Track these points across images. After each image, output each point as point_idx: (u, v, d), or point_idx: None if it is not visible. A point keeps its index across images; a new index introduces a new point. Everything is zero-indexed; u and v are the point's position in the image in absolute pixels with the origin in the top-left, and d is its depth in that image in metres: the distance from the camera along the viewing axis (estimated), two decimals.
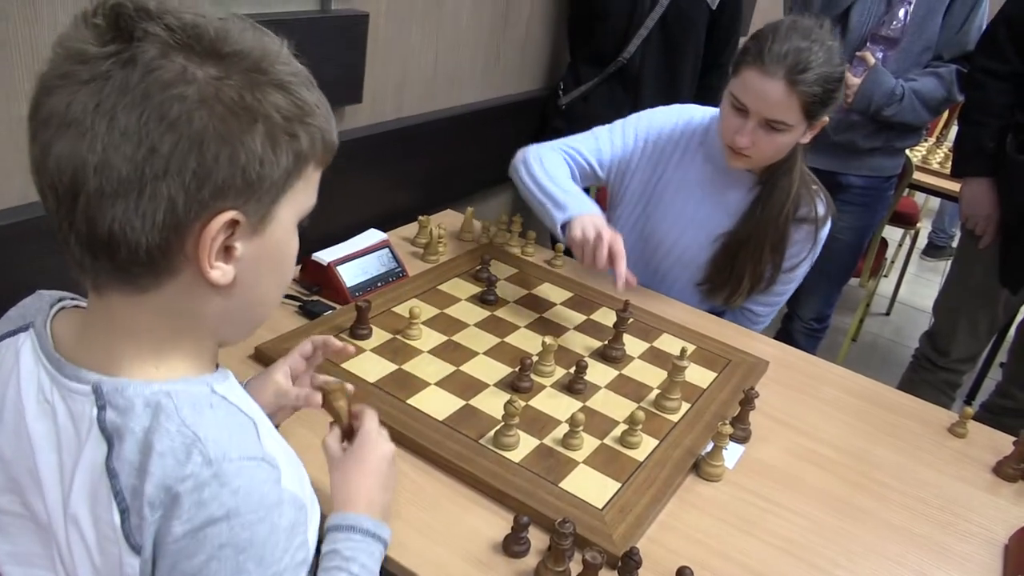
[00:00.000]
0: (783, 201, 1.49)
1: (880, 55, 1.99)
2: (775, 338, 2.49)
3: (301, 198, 0.64)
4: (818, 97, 1.37)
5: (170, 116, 0.54)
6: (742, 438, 1.23)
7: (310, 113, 0.62)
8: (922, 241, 4.48)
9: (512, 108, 2.13)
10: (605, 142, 1.62)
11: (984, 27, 1.97)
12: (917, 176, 2.83)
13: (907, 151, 2.36)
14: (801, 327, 2.43)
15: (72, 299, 0.71)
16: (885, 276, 3.98)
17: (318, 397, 0.89)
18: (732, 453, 1.20)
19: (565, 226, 1.43)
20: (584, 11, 2.12)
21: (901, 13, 1.94)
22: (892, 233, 3.78)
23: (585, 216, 1.41)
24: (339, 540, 0.78)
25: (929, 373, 2.20)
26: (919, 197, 3.81)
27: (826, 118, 1.44)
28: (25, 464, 0.65)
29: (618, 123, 1.65)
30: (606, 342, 1.32)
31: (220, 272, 0.60)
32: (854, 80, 2.00)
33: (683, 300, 1.64)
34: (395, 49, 1.69)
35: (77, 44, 0.56)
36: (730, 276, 1.56)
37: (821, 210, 1.54)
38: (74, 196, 0.56)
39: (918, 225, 3.37)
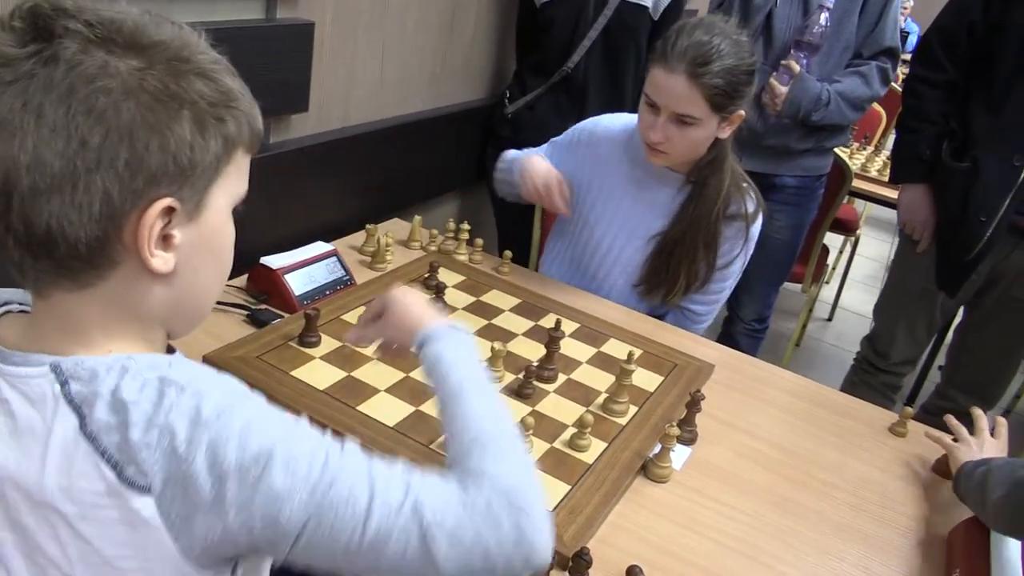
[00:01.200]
0: (714, 199, 1.54)
1: (804, 61, 2.06)
2: (718, 341, 2.57)
3: (233, 183, 0.66)
4: (721, 89, 1.41)
5: (97, 108, 0.56)
6: (689, 440, 1.26)
7: (235, 99, 0.63)
8: (862, 247, 4.61)
9: (458, 116, 2.15)
10: (553, 155, 1.69)
11: (898, 22, 2.06)
12: (856, 184, 2.92)
13: (839, 152, 2.45)
14: (742, 328, 2.48)
15: (20, 304, 0.71)
16: (827, 283, 4.09)
17: None
18: (679, 454, 1.22)
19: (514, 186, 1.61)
20: (529, 21, 2.15)
21: (822, 19, 2.01)
22: (833, 240, 3.89)
23: (529, 169, 1.58)
24: (433, 352, 0.86)
25: (870, 376, 2.27)
26: (859, 204, 3.93)
27: (741, 111, 1.48)
28: None
29: (563, 135, 1.71)
30: (536, 363, 1.32)
31: (161, 260, 0.62)
32: (781, 89, 2.07)
33: (621, 302, 1.68)
34: (341, 57, 1.70)
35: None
36: (666, 276, 1.60)
37: (751, 207, 1.59)
38: (7, 197, 0.57)
39: (858, 232, 3.46)
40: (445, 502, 0.65)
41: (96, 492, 0.59)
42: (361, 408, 1.16)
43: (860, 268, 4.45)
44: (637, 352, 1.43)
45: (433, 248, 1.75)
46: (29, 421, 0.61)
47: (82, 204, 0.57)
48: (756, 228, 1.62)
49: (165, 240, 0.62)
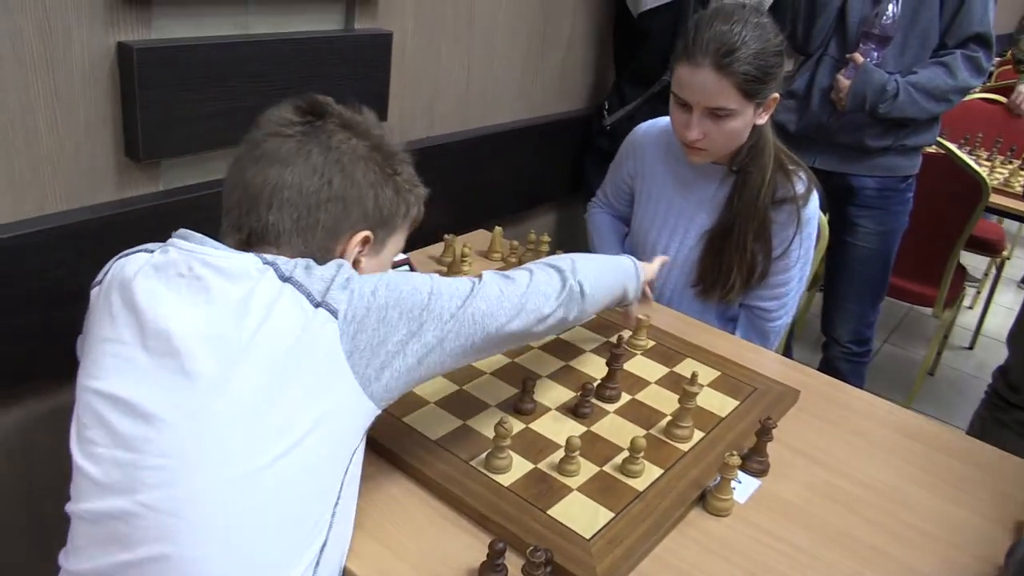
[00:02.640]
0: (758, 186, 1.48)
1: (875, 54, 1.97)
2: (819, 368, 2.40)
3: (399, 241, 1.01)
4: (752, 76, 1.37)
5: (343, 162, 0.91)
6: (758, 471, 1.16)
7: (417, 184, 1.02)
8: (1012, 270, 4.24)
9: (552, 128, 2.11)
10: (613, 178, 1.75)
11: (989, 5, 1.94)
12: (997, 200, 2.67)
13: (972, 164, 2.30)
14: (839, 352, 2.33)
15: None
16: (970, 308, 3.77)
17: None
18: (746, 487, 1.13)
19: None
20: (627, 31, 2.11)
21: (889, 9, 1.92)
22: (974, 260, 3.59)
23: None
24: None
25: (1002, 412, 2.05)
26: (1012, 224, 3.61)
27: (776, 94, 1.44)
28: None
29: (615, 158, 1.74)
30: (598, 381, 1.27)
31: None
32: (845, 82, 2.00)
33: (682, 306, 1.63)
34: (424, 68, 1.70)
35: (285, 115, 0.93)
36: (720, 271, 1.54)
37: (800, 188, 1.51)
38: (268, 204, 0.89)
39: (1004, 253, 3.17)
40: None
41: (302, 319, 0.83)
42: (407, 420, 1.14)
43: (1008, 293, 4.08)
44: (713, 374, 1.36)
45: (513, 259, 1.72)
46: (237, 287, 0.83)
47: (313, 223, 0.90)
48: (810, 210, 1.53)
49: (355, 264, 0.94)
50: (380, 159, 0.93)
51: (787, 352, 2.20)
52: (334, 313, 0.84)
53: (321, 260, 0.88)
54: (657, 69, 2.05)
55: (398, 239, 0.99)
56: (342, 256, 0.92)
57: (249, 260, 0.86)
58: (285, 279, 0.84)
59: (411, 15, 1.62)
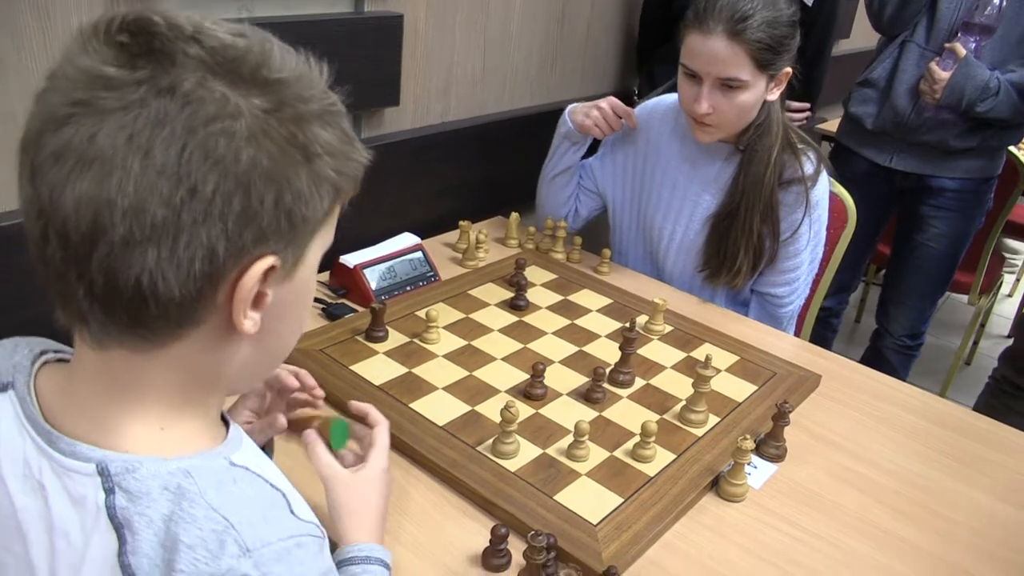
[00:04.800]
0: (764, 165, 1.43)
1: (973, 45, 1.85)
2: (862, 357, 2.35)
3: (327, 236, 0.60)
4: (765, 44, 1.34)
5: (216, 153, 0.48)
6: (775, 456, 1.13)
7: (352, 147, 0.58)
8: None
9: None
10: (606, 155, 1.68)
11: None
12: None
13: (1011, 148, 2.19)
14: (892, 344, 2.27)
15: (56, 351, 0.63)
16: (1009, 296, 3.67)
17: (282, 420, 0.86)
18: (762, 472, 1.11)
19: (569, 133, 1.61)
20: (659, 12, 2.07)
21: None
22: (1013, 245, 3.50)
23: (573, 108, 1.60)
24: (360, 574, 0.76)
25: (1011, 399, 2.00)
26: None
27: (788, 69, 1.40)
28: (11, 548, 0.57)
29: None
30: (612, 366, 1.24)
31: (251, 322, 0.55)
32: (942, 74, 1.87)
33: (692, 291, 1.60)
34: (437, 51, 1.68)
35: (96, 66, 0.49)
36: (725, 255, 1.50)
37: (809, 168, 1.47)
38: (92, 243, 0.49)
39: None
40: None
41: None
42: (414, 405, 1.13)
43: None
44: (729, 358, 1.33)
45: (530, 246, 1.70)
46: (67, 522, 0.54)
47: (182, 260, 0.49)
48: (819, 191, 1.49)
49: (256, 299, 0.54)
50: (287, 125, 0.52)
51: (825, 344, 2.14)
52: None
53: (185, 324, 0.53)
54: None
55: (323, 240, 0.59)
56: (229, 305, 0.53)
57: (90, 487, 0.54)
58: (120, 558, 0.52)
59: None
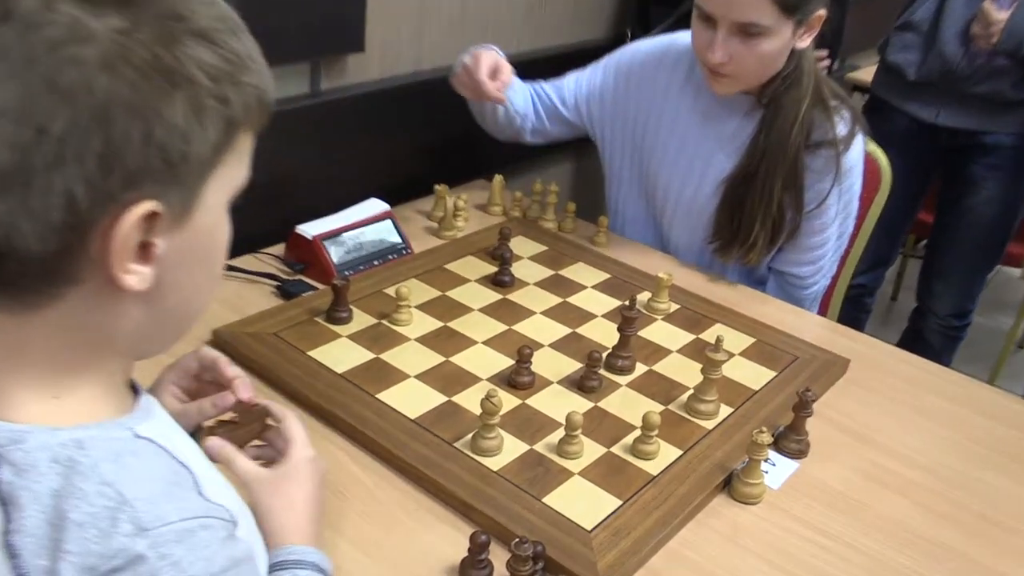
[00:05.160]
0: (790, 123, 1.42)
1: None
2: (900, 340, 2.36)
3: (232, 174, 0.59)
4: None
5: (63, 85, 0.48)
6: (796, 452, 1.14)
7: (243, 68, 0.56)
8: None
9: (564, 59, 2.04)
10: (572, 78, 1.67)
11: None
12: None
13: None
14: (936, 325, 2.29)
15: None
16: None
17: (229, 397, 0.85)
18: (781, 470, 1.11)
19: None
20: None
21: None
22: None
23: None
24: None
25: None
26: None
27: (821, 12, 1.37)
28: None
29: (600, 60, 1.67)
30: (609, 350, 1.24)
31: (137, 277, 0.54)
32: (998, 15, 1.87)
33: (702, 266, 1.61)
34: None
35: None
36: (739, 226, 1.49)
37: (842, 129, 1.45)
38: None
39: None
40: None
41: None
42: (382, 396, 1.13)
43: None
44: (744, 341, 1.35)
45: (516, 213, 1.70)
46: None
47: (36, 210, 0.49)
48: (852, 157, 1.48)
49: (144, 250, 0.54)
50: (149, 46, 0.50)
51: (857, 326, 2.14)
52: None
53: (60, 282, 0.54)
54: None
55: (225, 180, 0.58)
56: (107, 256, 0.53)
57: None
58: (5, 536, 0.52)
59: None
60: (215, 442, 0.82)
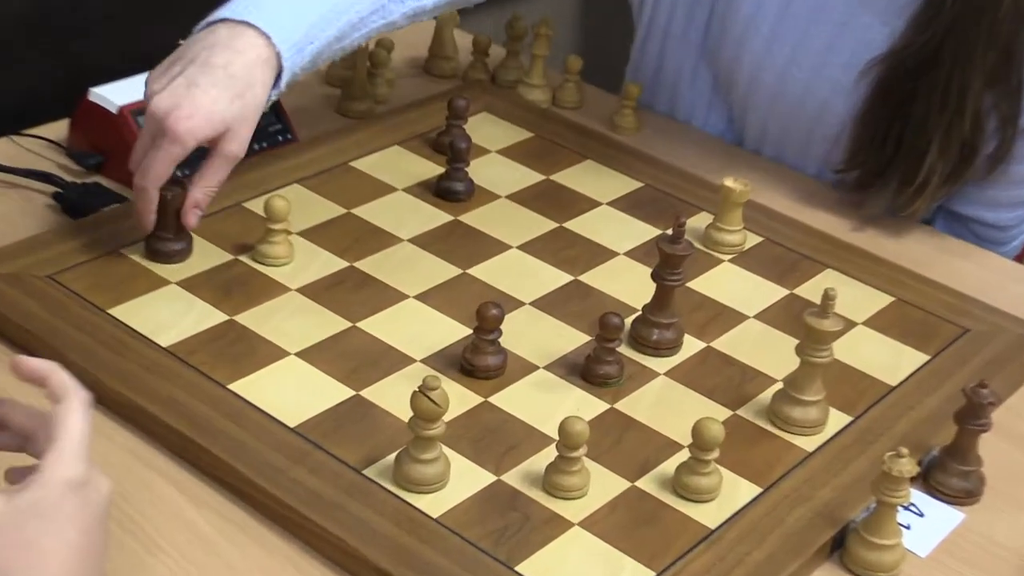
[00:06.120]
0: None
1: None
2: None
3: None
4: None
5: None
6: (961, 493, 1.15)
7: None
8: None
9: None
10: None
11: None
12: None
13: None
14: None
15: None
16: None
17: None
18: (935, 523, 1.12)
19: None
20: None
21: None
22: None
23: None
24: None
25: None
26: None
27: None
28: None
29: None
30: (638, 312, 1.28)
31: None
32: None
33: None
34: None
35: None
36: (899, 145, 1.50)
37: None
38: None
39: None
40: None
41: None
42: (237, 386, 1.14)
43: None
44: (875, 300, 1.37)
45: (480, 75, 1.74)
46: None
47: None
48: None
49: None
50: None
51: None
52: None
53: None
54: None
55: None
56: None
57: None
58: None
59: None
60: None
